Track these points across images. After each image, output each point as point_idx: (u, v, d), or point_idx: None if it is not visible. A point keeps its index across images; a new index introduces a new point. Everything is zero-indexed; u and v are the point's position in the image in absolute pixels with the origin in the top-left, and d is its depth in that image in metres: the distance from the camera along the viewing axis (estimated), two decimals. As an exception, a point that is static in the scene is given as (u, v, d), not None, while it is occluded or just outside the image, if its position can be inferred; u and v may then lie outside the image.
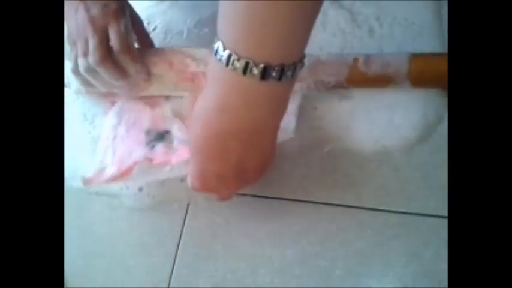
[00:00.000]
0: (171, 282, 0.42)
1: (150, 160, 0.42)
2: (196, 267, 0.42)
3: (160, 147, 0.44)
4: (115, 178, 0.43)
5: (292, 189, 0.42)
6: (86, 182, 0.43)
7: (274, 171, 0.42)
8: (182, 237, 0.43)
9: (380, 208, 0.40)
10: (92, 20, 0.41)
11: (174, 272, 0.42)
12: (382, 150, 0.41)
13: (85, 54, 0.41)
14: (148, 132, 0.45)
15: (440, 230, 0.37)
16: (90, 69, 0.42)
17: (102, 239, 0.45)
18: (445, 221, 0.37)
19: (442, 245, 0.37)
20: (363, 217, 0.40)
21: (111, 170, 0.43)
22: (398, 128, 0.42)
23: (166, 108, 0.46)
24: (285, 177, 0.43)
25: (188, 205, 0.44)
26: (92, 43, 0.41)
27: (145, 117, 0.46)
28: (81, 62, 0.42)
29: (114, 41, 0.41)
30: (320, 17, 0.30)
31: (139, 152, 0.44)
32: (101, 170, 0.44)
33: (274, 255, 0.40)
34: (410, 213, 0.39)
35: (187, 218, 0.44)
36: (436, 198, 0.39)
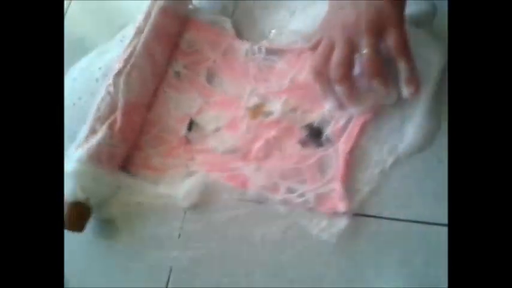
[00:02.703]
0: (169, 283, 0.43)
1: None
2: (193, 273, 0.43)
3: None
4: None
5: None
6: None
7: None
8: (179, 241, 0.44)
9: (372, 214, 0.40)
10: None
11: (170, 277, 0.43)
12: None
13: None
14: None
15: (431, 237, 0.38)
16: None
17: (102, 241, 0.47)
18: (436, 228, 0.38)
19: (433, 252, 0.37)
20: (355, 223, 0.40)
21: None
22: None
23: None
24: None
25: (185, 211, 0.45)
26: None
27: None
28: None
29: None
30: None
31: None
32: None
33: (269, 260, 0.41)
34: (402, 220, 0.39)
35: (184, 222, 0.45)
36: (427, 205, 0.39)
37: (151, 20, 0.49)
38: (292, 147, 0.45)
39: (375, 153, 0.43)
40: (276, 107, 0.46)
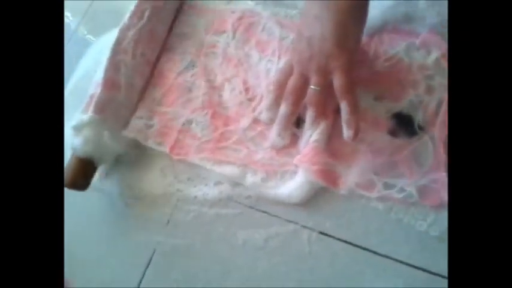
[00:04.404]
0: (148, 268, 0.43)
1: None
2: (173, 260, 0.43)
3: None
4: None
5: (276, 205, 0.42)
6: None
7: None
8: (167, 227, 0.44)
9: (354, 243, 0.39)
10: None
11: (152, 259, 0.43)
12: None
13: None
14: None
15: (404, 276, 0.37)
16: None
17: (83, 224, 0.47)
18: (410, 269, 0.38)
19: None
20: (336, 248, 0.39)
21: None
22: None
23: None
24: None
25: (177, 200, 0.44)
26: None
27: None
28: None
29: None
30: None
31: None
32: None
33: (246, 264, 0.41)
34: (380, 255, 0.39)
35: (175, 210, 0.44)
36: (409, 245, 0.38)
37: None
38: (382, 139, 0.41)
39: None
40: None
